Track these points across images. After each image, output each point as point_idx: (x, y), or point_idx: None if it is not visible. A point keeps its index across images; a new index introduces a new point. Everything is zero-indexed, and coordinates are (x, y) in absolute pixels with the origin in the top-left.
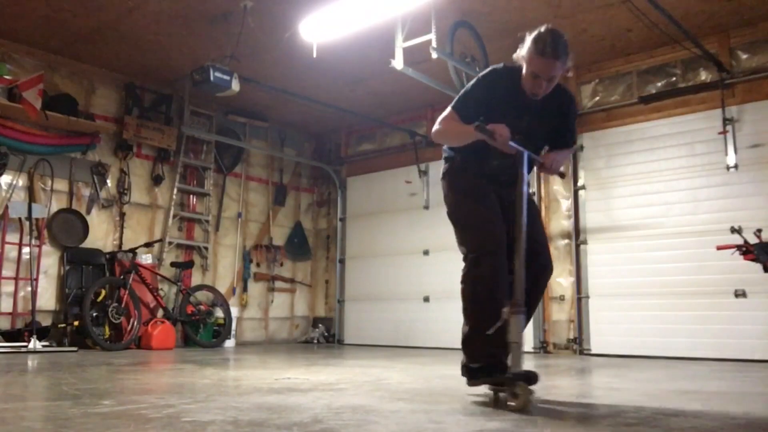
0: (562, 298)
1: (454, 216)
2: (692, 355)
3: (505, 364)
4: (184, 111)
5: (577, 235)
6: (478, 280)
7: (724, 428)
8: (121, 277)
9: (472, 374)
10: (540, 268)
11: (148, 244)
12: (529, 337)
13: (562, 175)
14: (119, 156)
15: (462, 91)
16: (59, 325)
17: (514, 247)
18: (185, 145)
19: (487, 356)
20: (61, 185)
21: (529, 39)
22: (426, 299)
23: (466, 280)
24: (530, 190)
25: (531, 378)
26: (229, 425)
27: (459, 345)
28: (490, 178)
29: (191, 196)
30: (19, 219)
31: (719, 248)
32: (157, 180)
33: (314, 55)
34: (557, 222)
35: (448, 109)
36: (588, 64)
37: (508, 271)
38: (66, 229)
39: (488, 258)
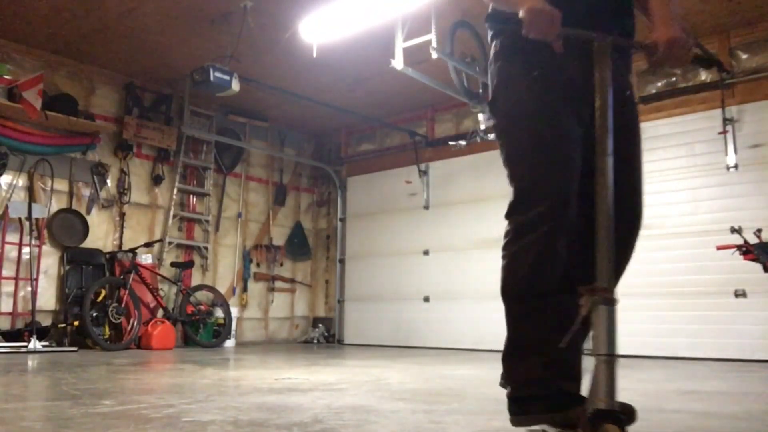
0: None
1: (501, 137)
2: (692, 355)
3: (571, 392)
4: (184, 111)
5: None
6: (518, 258)
7: (724, 428)
8: (121, 277)
9: (520, 407)
10: (628, 230)
11: (148, 244)
12: None
13: (718, 66)
14: (119, 156)
15: None
16: (59, 325)
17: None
18: (185, 145)
19: (539, 379)
20: (61, 185)
21: None
22: (426, 299)
23: (505, 255)
24: (627, 92)
25: (624, 417)
26: (229, 425)
27: (459, 345)
28: (568, 73)
29: (191, 196)
30: (19, 219)
31: (719, 248)
32: (157, 180)
33: (314, 55)
34: None
35: None
36: None
37: (578, 240)
38: (66, 229)
39: (541, 226)
